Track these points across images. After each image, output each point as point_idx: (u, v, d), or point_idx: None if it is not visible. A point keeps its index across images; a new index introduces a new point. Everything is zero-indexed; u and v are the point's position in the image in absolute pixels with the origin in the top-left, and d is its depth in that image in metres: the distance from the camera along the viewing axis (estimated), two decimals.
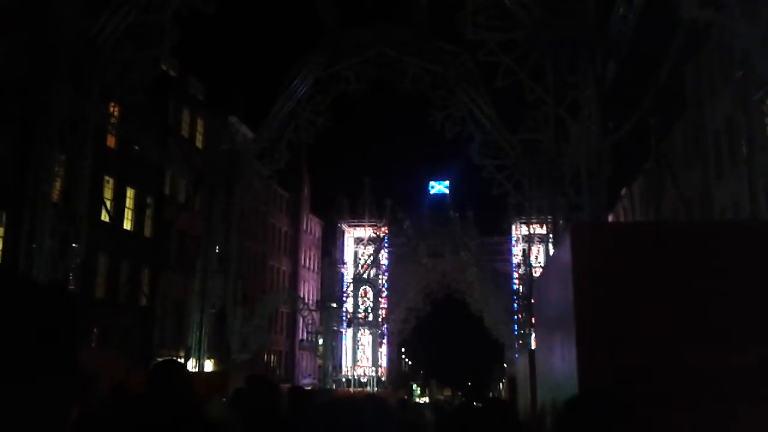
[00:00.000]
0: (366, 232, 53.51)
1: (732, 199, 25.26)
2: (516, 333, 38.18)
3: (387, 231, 53.57)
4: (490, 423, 3.98)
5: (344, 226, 56.26)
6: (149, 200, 36.72)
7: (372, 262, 51.17)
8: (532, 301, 20.13)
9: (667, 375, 3.30)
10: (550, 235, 21.63)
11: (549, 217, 21.33)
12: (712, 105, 29.55)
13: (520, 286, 37.66)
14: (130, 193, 35.21)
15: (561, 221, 18.15)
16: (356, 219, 55.27)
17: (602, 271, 3.43)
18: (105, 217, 28.84)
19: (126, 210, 34.85)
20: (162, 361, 4.25)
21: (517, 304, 37.64)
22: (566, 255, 3.66)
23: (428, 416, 11.93)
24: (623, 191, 41.18)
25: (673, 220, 11.68)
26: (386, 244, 54.81)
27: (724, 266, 3.49)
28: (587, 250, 3.48)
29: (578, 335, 3.43)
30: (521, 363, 13.79)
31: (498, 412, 4.24)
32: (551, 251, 21.68)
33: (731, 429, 3.22)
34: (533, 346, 17.61)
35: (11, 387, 0.93)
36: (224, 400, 4.20)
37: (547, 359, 5.17)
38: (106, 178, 31.80)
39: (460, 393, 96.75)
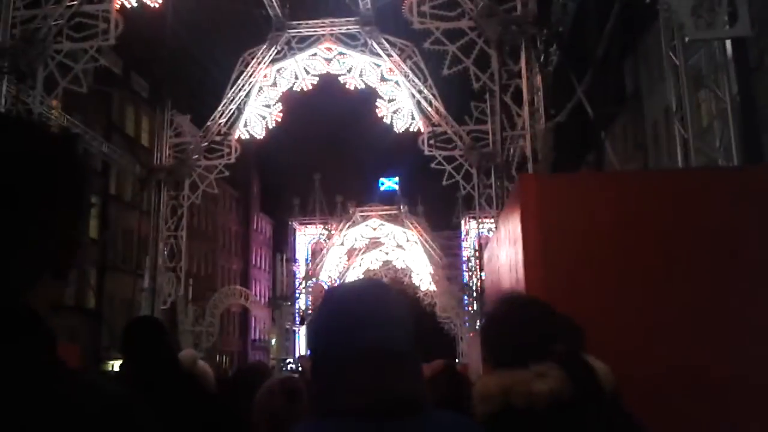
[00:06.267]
0: (317, 229, 53.33)
1: None
2: (467, 324, 38.75)
3: (338, 227, 53.57)
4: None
5: (295, 224, 56.00)
6: (94, 200, 35.98)
7: (323, 258, 51.11)
8: (482, 277, 20.51)
9: (610, 316, 3.53)
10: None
11: (497, 209, 21.75)
12: (650, 97, 30.56)
13: (471, 279, 38.29)
14: None
15: None
16: (307, 217, 55.08)
17: (549, 217, 3.65)
18: None
19: None
20: (136, 319, 4.31)
21: (467, 296, 38.22)
22: (515, 204, 3.88)
23: None
24: None
25: (613, 170, 12.21)
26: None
27: (671, 210, 3.73)
28: (534, 198, 3.71)
29: (527, 278, 3.64)
30: (472, 345, 14.09)
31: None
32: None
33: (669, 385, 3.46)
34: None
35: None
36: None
37: None
38: None
39: None
